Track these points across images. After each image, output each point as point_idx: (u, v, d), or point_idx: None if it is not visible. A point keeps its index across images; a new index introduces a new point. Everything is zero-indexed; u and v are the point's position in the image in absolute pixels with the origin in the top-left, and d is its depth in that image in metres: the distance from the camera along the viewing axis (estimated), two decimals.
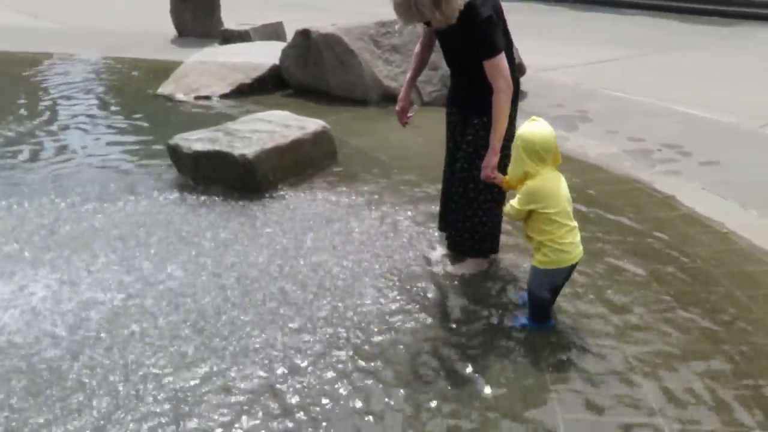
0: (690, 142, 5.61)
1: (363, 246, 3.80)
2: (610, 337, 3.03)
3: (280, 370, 2.78)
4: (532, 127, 2.85)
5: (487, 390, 2.69)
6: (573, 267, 2.99)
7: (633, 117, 6.32)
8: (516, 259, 3.63)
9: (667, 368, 2.83)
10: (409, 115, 3.62)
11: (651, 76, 8.10)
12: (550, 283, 2.98)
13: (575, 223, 2.94)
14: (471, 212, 3.41)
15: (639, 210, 4.34)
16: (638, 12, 13.00)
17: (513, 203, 2.91)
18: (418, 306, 3.25)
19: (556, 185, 2.88)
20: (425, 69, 6.90)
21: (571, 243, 2.90)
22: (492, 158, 3.14)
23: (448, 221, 3.63)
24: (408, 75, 3.61)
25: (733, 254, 3.78)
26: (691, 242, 3.91)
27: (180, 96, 7.00)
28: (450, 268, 3.54)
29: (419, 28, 3.56)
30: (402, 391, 2.68)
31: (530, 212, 2.88)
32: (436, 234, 3.89)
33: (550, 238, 2.87)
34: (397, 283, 3.42)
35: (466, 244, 3.50)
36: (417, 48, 3.59)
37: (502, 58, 3.12)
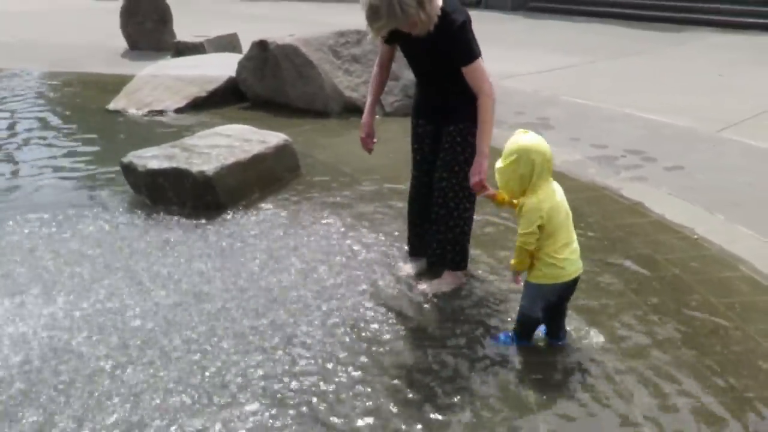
0: (653, 148, 5.61)
1: (331, 264, 3.63)
2: (590, 350, 2.92)
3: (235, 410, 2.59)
4: (537, 140, 2.70)
5: (468, 414, 2.55)
6: (570, 286, 2.83)
7: (594, 123, 6.30)
8: (486, 275, 3.52)
9: (651, 380, 2.74)
10: (374, 140, 3.47)
11: (607, 81, 8.15)
12: (543, 300, 2.82)
13: (574, 237, 2.81)
14: (453, 222, 3.29)
15: (609, 217, 4.28)
16: (590, 19, 13.17)
17: (521, 233, 2.70)
18: (388, 326, 3.09)
19: (559, 198, 2.76)
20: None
21: (567, 259, 2.75)
22: (482, 164, 3.00)
23: (425, 238, 3.50)
24: (369, 99, 3.43)
25: (706, 261, 3.74)
26: (664, 249, 3.86)
27: (132, 111, 6.74)
28: (426, 286, 3.39)
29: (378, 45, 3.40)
30: (374, 420, 2.52)
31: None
32: (406, 248, 3.77)
33: (546, 252, 2.74)
34: (368, 302, 3.26)
35: (447, 256, 3.38)
36: (375, 69, 3.42)
37: (481, 62, 3.03)
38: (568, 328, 3.01)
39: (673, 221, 4.23)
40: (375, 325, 3.09)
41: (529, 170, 2.68)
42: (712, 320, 3.16)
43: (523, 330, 2.92)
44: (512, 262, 2.79)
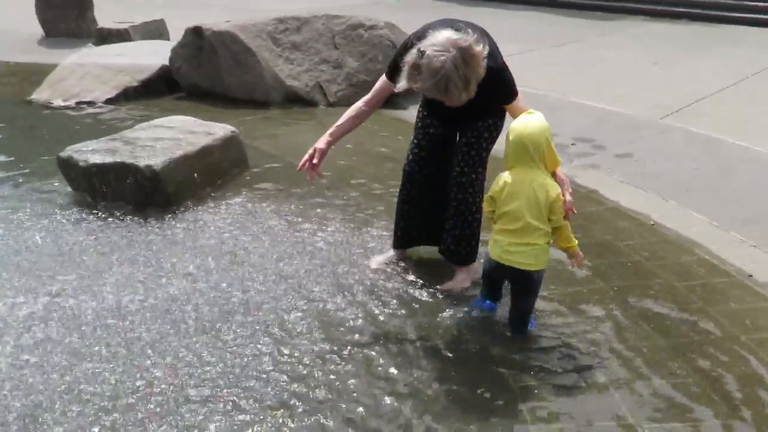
0: (601, 135, 5.81)
1: (295, 261, 3.61)
2: (563, 337, 3.03)
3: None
4: (524, 123, 2.85)
5: (456, 410, 2.60)
6: (495, 267, 2.94)
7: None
8: None
9: (624, 368, 2.86)
10: (324, 174, 3.42)
11: (550, 70, 8.37)
12: (485, 261, 3.05)
13: (515, 227, 2.87)
14: (471, 217, 3.33)
15: None
16: (526, 7, 13.46)
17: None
18: (363, 325, 3.11)
19: (521, 188, 2.84)
20: (330, 68, 6.98)
21: (494, 239, 2.93)
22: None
23: (412, 233, 3.55)
24: (336, 129, 3.30)
25: (665, 245, 3.92)
26: (623, 236, 4.02)
27: (59, 102, 6.48)
28: (451, 284, 3.40)
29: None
30: None
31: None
32: (374, 235, 3.84)
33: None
34: (345, 302, 3.26)
35: (462, 252, 3.42)
36: (361, 106, 3.30)
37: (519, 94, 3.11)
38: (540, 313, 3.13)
39: (629, 208, 4.41)
40: (348, 322, 3.10)
41: (511, 150, 2.84)
42: (676, 303, 3.31)
43: (526, 323, 3.08)
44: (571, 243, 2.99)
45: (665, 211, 4.37)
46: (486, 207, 3.00)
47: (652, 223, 4.20)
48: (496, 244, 2.93)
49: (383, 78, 3.27)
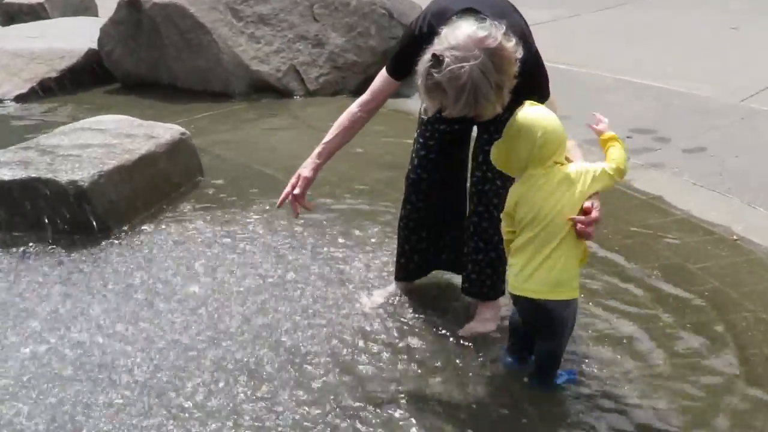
0: (665, 125, 5.83)
1: (266, 304, 3.60)
2: (630, 388, 3.03)
3: None
4: (541, 115, 2.85)
5: None
6: (515, 300, 2.97)
7: (586, 95, 6.48)
8: None
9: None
10: (311, 205, 3.42)
11: (591, 41, 8.43)
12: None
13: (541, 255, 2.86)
14: (497, 236, 3.23)
15: (621, 218, 4.41)
16: None
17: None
18: (349, 390, 3.11)
19: (541, 198, 2.86)
20: (308, 47, 7.01)
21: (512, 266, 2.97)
22: None
23: (428, 257, 3.57)
24: (325, 147, 3.29)
25: (752, 267, 3.92)
26: (697, 256, 4.02)
27: None
28: (472, 326, 3.40)
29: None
30: None
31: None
32: (369, 265, 3.86)
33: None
34: (329, 359, 3.25)
35: (487, 282, 3.40)
36: (356, 112, 3.28)
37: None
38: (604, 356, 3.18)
39: (703, 218, 4.41)
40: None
41: (527, 151, 2.82)
42: None
43: (555, 369, 3.08)
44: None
45: (751, 221, 4.38)
46: (504, 226, 2.98)
47: (734, 237, 4.20)
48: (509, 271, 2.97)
49: (384, 74, 3.25)
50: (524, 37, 2.94)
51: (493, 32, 2.74)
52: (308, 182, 3.27)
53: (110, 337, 3.34)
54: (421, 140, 3.44)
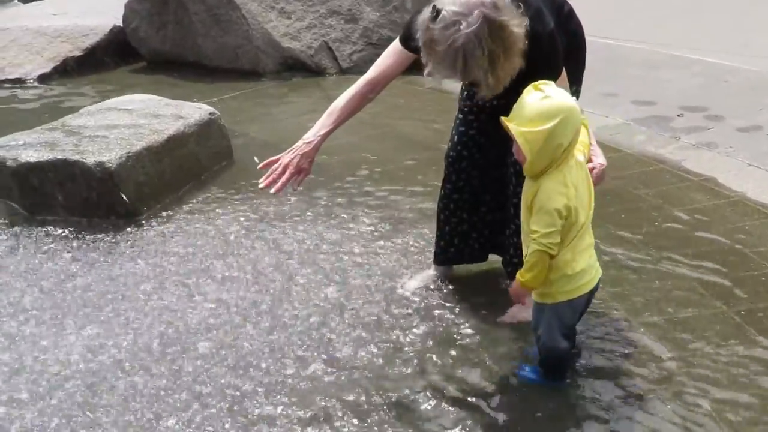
0: (717, 102, 5.77)
1: (306, 290, 3.63)
2: (668, 383, 3.01)
3: None
4: (570, 98, 2.74)
5: None
6: (592, 293, 2.93)
7: (634, 71, 6.45)
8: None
9: None
10: (298, 186, 3.36)
11: (639, 12, 8.33)
12: (562, 323, 2.91)
13: (591, 238, 2.87)
14: None
15: (671, 201, 4.39)
16: None
17: (541, 232, 2.72)
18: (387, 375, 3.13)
19: (582, 180, 2.82)
20: (341, 22, 7.01)
21: (589, 266, 2.86)
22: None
23: (469, 241, 3.56)
24: (329, 119, 3.28)
25: None
26: (753, 240, 3.97)
27: None
28: (515, 312, 3.39)
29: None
30: None
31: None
32: (408, 248, 3.87)
33: (564, 259, 2.80)
34: (366, 345, 3.27)
35: None
36: (362, 85, 3.28)
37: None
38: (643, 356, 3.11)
39: (760, 201, 4.35)
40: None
41: (569, 139, 2.74)
42: None
43: (551, 368, 3.02)
44: (523, 277, 2.81)
45: None
46: (550, 240, 2.76)
47: None
48: (592, 269, 2.86)
49: (396, 45, 3.23)
50: (539, 15, 2.94)
51: (499, 1, 2.74)
52: (308, 157, 3.25)
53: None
54: (460, 116, 3.45)
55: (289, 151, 3.24)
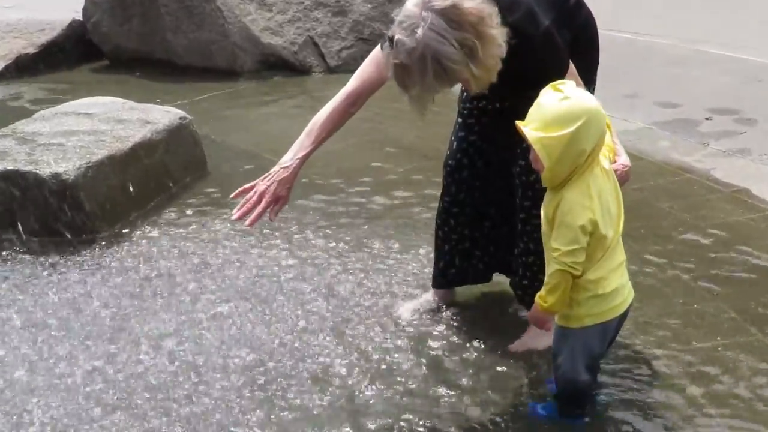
0: (749, 103, 5.78)
1: (282, 311, 3.64)
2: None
3: None
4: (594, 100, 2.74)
5: None
6: (622, 319, 2.92)
7: (657, 70, 6.46)
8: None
9: None
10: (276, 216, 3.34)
11: (660, 5, 8.35)
12: (588, 351, 2.89)
13: (623, 255, 2.87)
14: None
15: (699, 215, 4.41)
16: None
17: (563, 250, 2.71)
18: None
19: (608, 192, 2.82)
20: (328, 15, 7.03)
21: (621, 285, 2.84)
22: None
23: (472, 260, 3.56)
24: (307, 139, 3.27)
25: None
26: None
27: None
28: (525, 341, 3.39)
29: None
30: None
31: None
32: (401, 270, 3.87)
33: (590, 279, 2.78)
34: (358, 367, 3.27)
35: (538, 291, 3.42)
36: (340, 103, 3.28)
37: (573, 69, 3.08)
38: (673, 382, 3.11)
39: None
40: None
41: (593, 145, 2.73)
42: None
43: (568, 403, 3.00)
44: (545, 301, 2.79)
45: None
46: (573, 258, 2.74)
47: None
48: (624, 288, 2.86)
49: (378, 51, 3.17)
50: (530, 15, 2.96)
51: None
52: (286, 183, 3.24)
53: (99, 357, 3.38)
54: (459, 120, 3.44)
55: (264, 178, 3.22)
